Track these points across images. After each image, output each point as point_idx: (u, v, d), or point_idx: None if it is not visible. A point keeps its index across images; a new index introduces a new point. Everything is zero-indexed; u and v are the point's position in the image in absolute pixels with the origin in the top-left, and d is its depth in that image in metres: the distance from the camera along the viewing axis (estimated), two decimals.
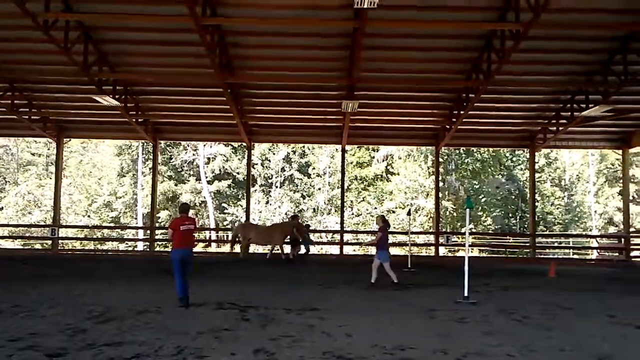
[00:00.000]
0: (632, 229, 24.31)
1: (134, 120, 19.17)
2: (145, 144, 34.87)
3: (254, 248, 21.31)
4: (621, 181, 24.66)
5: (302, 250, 18.13)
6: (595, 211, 38.50)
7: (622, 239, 22.44)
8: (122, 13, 13.46)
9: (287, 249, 17.85)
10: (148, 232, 23.24)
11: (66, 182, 38.77)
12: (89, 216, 37.41)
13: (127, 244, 31.12)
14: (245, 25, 14.58)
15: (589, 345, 6.13)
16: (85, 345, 5.78)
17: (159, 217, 34.00)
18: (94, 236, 33.70)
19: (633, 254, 21.69)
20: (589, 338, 6.52)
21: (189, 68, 16.61)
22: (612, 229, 37.00)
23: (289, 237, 17.78)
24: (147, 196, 33.24)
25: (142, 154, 37.48)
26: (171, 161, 38.67)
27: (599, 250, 25.38)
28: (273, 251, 18.42)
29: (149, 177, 26.43)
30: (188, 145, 37.79)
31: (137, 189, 37.40)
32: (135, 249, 30.02)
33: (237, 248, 18.68)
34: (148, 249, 22.68)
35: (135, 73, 17.14)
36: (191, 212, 35.31)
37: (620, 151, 22.34)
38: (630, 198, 28.42)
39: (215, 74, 15.14)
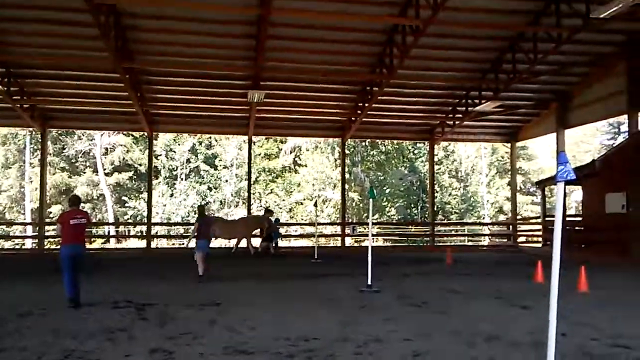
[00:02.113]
0: (518, 217, 26.36)
1: (18, 105, 17.49)
2: (33, 132, 32.12)
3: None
4: (510, 173, 26.63)
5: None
6: (488, 200, 41.38)
7: (510, 226, 24.28)
8: None
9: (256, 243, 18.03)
10: (37, 228, 21.44)
11: None
12: None
13: (13, 241, 28.59)
14: (143, 8, 13.77)
15: (480, 326, 6.48)
16: None
17: (50, 212, 31.49)
18: None
19: (520, 239, 23.57)
20: (481, 320, 6.90)
21: (82, 51, 15.39)
22: (501, 217, 39.97)
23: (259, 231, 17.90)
24: (35, 189, 30.69)
25: (30, 143, 34.49)
26: (64, 151, 35.95)
27: (490, 237, 27.32)
28: (238, 245, 18.00)
29: (38, 168, 24.41)
30: (83, 135, 35.34)
31: (25, 181, 34.42)
32: (23, 246, 27.71)
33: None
34: (37, 247, 20.97)
35: (19, 54, 15.62)
36: (88, 206, 33.20)
37: (509, 144, 24.14)
38: (518, 188, 30.85)
39: (110, 58, 14.18)
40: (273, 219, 18.72)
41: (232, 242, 18.84)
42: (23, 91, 17.42)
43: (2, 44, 15.12)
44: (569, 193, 30.97)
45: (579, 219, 22.39)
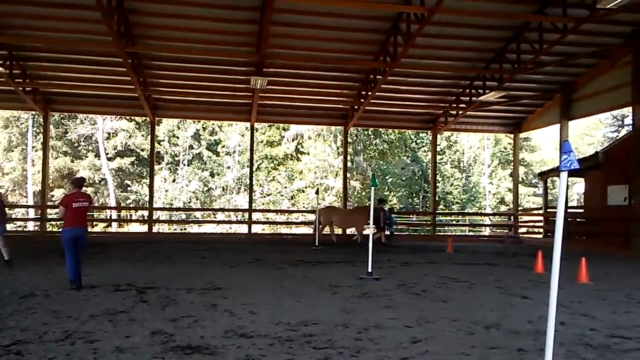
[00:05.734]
0: (520, 208, 26.33)
1: (20, 88, 17.43)
2: (36, 115, 32.08)
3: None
4: (512, 164, 26.55)
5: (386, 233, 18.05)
6: (489, 191, 41.34)
7: (512, 217, 24.28)
8: None
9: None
10: (39, 211, 21.51)
11: None
12: None
13: (15, 224, 28.70)
14: None
15: (480, 315, 6.50)
16: None
17: (52, 196, 31.59)
18: None
19: (521, 230, 23.57)
20: (480, 308, 6.92)
21: (84, 34, 15.28)
22: (503, 208, 39.95)
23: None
24: (38, 173, 30.75)
25: (33, 126, 34.46)
26: (67, 135, 35.92)
27: (491, 228, 27.33)
28: (362, 234, 18.13)
29: (41, 152, 24.41)
30: (86, 119, 35.28)
31: (27, 164, 34.45)
32: (25, 229, 27.86)
33: (326, 231, 18.19)
34: (39, 229, 21.06)
35: (22, 37, 15.55)
36: (90, 190, 33.19)
37: (512, 135, 24.04)
38: (520, 180, 30.77)
39: (113, 41, 14.11)
40: (387, 209, 18.62)
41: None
42: (25, 74, 17.37)
43: (5, 26, 15.06)
44: (571, 185, 30.89)
45: (581, 210, 22.38)
